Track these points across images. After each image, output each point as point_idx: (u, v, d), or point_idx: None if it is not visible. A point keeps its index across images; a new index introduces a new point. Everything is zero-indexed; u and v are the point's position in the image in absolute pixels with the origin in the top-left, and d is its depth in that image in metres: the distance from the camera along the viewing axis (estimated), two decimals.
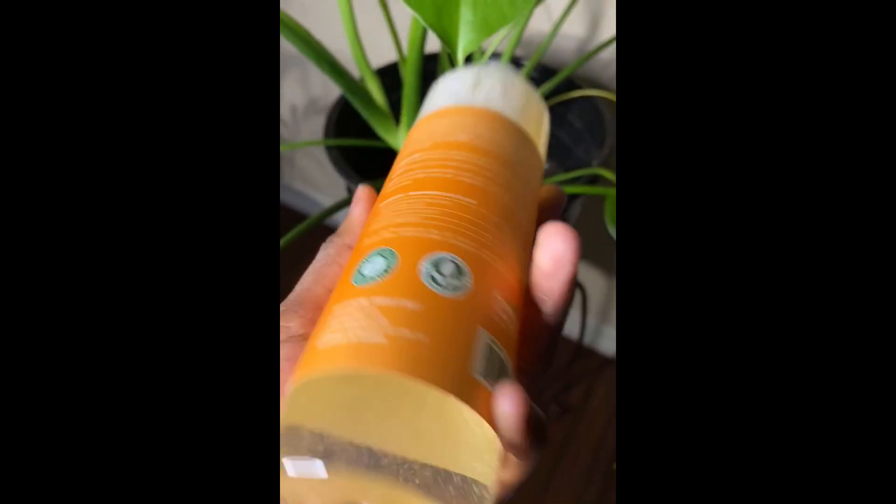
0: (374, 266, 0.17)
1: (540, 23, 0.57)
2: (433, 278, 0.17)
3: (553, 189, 0.23)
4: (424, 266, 0.17)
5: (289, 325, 0.18)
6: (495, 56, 0.52)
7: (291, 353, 0.17)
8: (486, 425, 0.15)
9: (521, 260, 0.19)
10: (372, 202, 0.21)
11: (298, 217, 1.11)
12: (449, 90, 0.23)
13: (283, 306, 0.19)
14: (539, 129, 0.24)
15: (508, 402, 0.15)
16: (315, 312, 0.18)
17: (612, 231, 0.38)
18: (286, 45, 0.82)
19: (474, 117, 0.22)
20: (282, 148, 0.44)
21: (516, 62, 0.53)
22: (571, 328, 0.92)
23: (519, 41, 0.46)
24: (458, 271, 0.17)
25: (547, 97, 0.51)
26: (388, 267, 0.17)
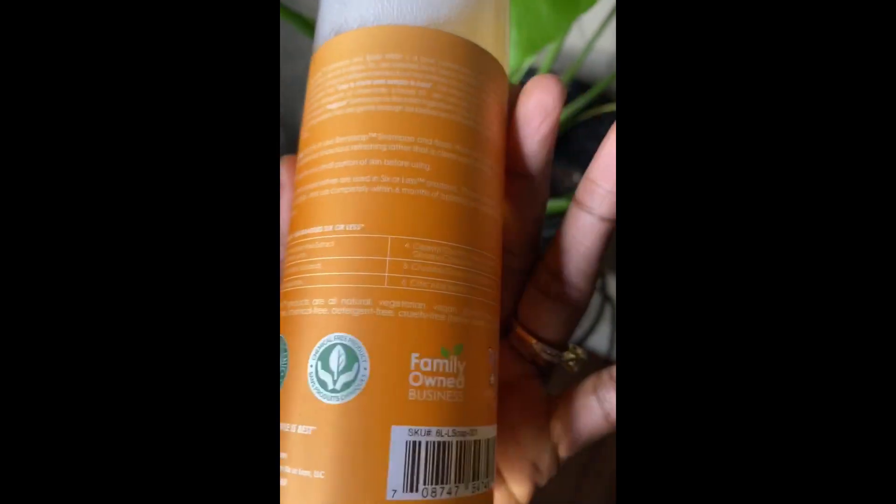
0: (281, 362, 0.15)
1: (573, 39, 0.57)
2: (321, 382, 0.14)
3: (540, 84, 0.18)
4: (311, 365, 0.14)
5: None
6: (531, 72, 0.52)
7: None
8: None
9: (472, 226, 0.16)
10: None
11: None
12: None
13: None
14: (493, 15, 0.17)
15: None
16: None
17: None
18: None
19: (354, 51, 0.16)
20: None
21: None
22: (600, 342, 0.91)
23: (556, 57, 0.46)
24: (350, 359, 0.14)
25: (580, 111, 0.51)
26: (284, 368, 0.14)
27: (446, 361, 0.15)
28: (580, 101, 0.49)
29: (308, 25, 0.38)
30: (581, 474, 0.89)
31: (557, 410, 0.21)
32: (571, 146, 0.57)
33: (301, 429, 0.14)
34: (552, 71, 0.54)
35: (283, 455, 0.14)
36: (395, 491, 0.13)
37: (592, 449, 0.91)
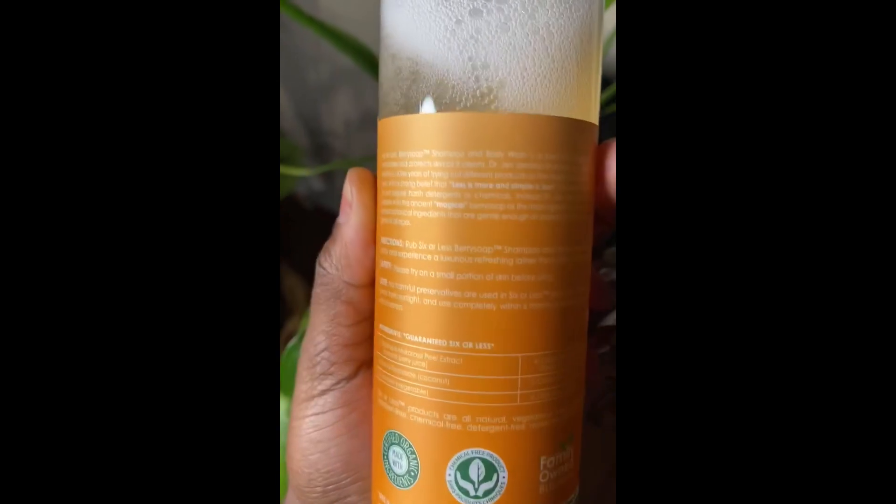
0: (397, 458, 0.16)
1: None
2: (462, 490, 0.15)
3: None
4: (450, 474, 0.15)
5: (326, 371, 0.19)
6: None
7: (343, 399, 0.19)
8: None
9: (578, 348, 0.16)
10: (366, 218, 0.18)
11: None
12: (414, 40, 0.15)
13: (311, 354, 0.19)
14: (595, 78, 0.16)
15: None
16: (343, 351, 0.19)
17: None
18: (340, 60, 0.84)
19: (480, 144, 0.14)
20: (340, 163, 0.46)
21: None
22: None
23: None
24: (489, 470, 0.15)
25: (605, 104, 0.50)
26: (412, 470, 0.15)
27: (564, 453, 0.16)
28: (605, 95, 0.49)
29: (329, 32, 0.38)
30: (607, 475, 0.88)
31: None
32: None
33: None
34: None
35: None
36: None
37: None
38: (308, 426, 0.19)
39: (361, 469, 0.19)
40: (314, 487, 0.19)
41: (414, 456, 0.15)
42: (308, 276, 1.03)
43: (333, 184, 1.14)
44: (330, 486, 0.19)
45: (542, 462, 0.15)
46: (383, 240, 0.17)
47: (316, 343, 0.19)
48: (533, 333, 0.15)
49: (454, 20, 0.14)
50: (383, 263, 0.17)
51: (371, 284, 0.18)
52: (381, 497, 0.17)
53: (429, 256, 0.15)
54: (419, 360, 0.15)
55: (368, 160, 0.58)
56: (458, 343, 0.15)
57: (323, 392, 0.19)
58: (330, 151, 1.05)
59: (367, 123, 0.94)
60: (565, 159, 0.15)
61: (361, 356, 0.19)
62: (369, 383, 0.19)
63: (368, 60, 0.41)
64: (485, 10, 0.14)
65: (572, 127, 0.15)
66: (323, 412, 0.19)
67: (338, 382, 0.19)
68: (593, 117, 0.17)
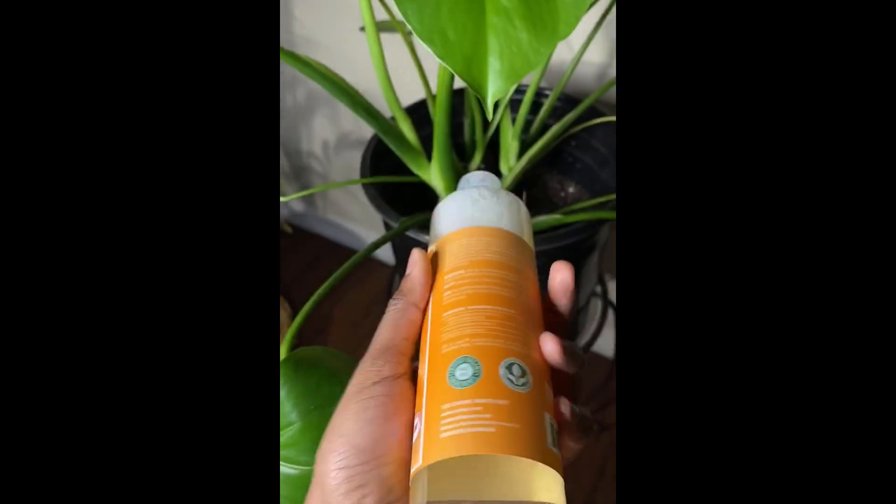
0: (464, 372, 0.24)
1: (560, 52, 0.59)
2: (510, 380, 0.23)
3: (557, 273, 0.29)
4: (501, 371, 0.24)
5: (381, 369, 0.25)
6: (519, 91, 0.54)
7: (387, 391, 0.25)
8: (558, 475, 0.22)
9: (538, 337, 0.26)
10: (426, 265, 0.29)
11: (332, 246, 1.14)
12: (456, 211, 0.32)
13: (373, 353, 0.26)
14: (527, 229, 0.32)
15: (550, 342, 0.25)
16: (398, 357, 0.26)
17: None
18: (317, 84, 0.85)
19: (490, 236, 0.30)
20: (321, 186, 0.47)
21: (541, 93, 0.55)
22: (607, 346, 0.93)
23: (543, 74, 0.48)
24: (523, 371, 0.24)
25: (571, 125, 0.52)
26: (476, 372, 0.24)
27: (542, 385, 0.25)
28: (571, 115, 0.51)
29: (306, 64, 0.40)
30: (597, 476, 0.90)
31: None
32: (564, 159, 0.59)
33: (500, 402, 0.23)
34: (540, 87, 0.56)
35: (485, 416, 0.22)
36: (547, 444, 0.22)
37: (607, 449, 0.92)
38: (354, 409, 0.24)
39: (382, 457, 0.23)
40: (341, 468, 0.23)
41: (477, 365, 0.24)
42: (290, 298, 1.04)
43: (314, 205, 1.16)
44: (352, 463, 0.23)
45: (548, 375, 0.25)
46: (447, 276, 0.28)
47: (378, 346, 0.26)
48: (525, 307, 0.27)
49: (471, 201, 0.31)
50: (447, 286, 0.28)
51: (423, 310, 0.28)
52: (444, 406, 0.23)
53: (483, 271, 0.28)
54: (479, 316, 0.26)
55: (347, 184, 0.59)
56: (500, 307, 0.26)
57: (374, 383, 0.24)
58: (310, 172, 1.07)
59: (345, 144, 0.96)
60: (518, 249, 0.29)
61: (406, 365, 0.26)
62: (407, 387, 0.25)
63: (339, 88, 0.43)
64: (482, 199, 0.31)
65: (519, 239, 0.30)
66: (371, 397, 0.24)
67: (387, 378, 0.25)
68: (530, 244, 0.31)
